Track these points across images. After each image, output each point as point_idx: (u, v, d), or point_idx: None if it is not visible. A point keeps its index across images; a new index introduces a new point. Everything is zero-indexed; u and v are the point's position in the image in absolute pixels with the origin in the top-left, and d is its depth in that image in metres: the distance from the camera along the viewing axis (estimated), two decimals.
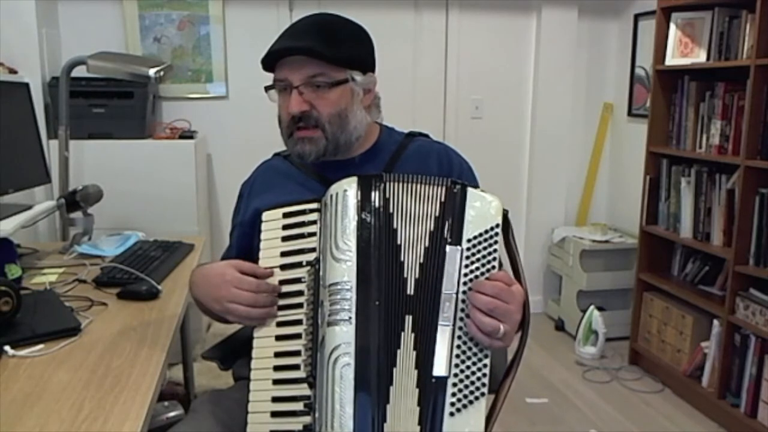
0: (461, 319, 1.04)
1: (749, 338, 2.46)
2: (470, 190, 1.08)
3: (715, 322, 2.65)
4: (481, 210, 1.07)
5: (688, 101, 2.84)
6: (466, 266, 1.05)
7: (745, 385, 2.48)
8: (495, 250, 1.06)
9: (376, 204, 1.08)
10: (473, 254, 1.05)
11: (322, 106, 1.21)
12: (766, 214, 2.40)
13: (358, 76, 1.24)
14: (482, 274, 1.05)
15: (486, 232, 1.06)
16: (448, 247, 1.05)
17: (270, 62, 1.23)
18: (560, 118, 3.70)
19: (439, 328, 1.04)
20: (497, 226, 1.07)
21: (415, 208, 1.08)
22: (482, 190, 1.10)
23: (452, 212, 1.07)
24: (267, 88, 1.27)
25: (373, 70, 1.29)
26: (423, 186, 1.09)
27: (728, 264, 2.56)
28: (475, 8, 3.57)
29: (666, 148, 2.97)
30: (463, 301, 1.04)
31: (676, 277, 3.03)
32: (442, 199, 1.08)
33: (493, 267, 1.06)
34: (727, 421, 2.59)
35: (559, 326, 3.62)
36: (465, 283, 1.04)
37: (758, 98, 2.40)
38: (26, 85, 2.19)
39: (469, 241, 1.06)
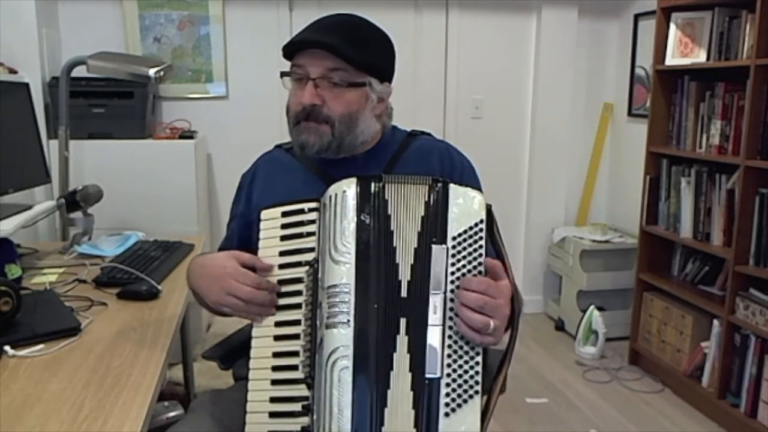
0: (451, 318, 1.03)
1: (749, 338, 2.46)
2: (452, 187, 1.07)
3: (715, 322, 2.65)
4: (464, 207, 1.06)
5: (688, 101, 2.84)
6: (453, 264, 1.04)
7: (745, 385, 2.48)
8: (481, 246, 1.05)
9: (375, 205, 1.07)
10: (459, 252, 1.05)
11: (335, 103, 1.21)
12: (766, 214, 2.40)
13: (376, 84, 1.24)
14: (469, 271, 1.04)
15: (470, 228, 1.05)
16: (433, 247, 1.05)
17: (291, 51, 1.23)
18: (560, 118, 3.70)
19: (429, 329, 1.03)
20: (481, 221, 1.06)
21: (406, 209, 1.07)
22: (464, 186, 1.09)
23: (436, 211, 1.06)
24: (283, 74, 1.26)
25: (390, 80, 1.29)
26: (410, 186, 1.08)
27: (728, 264, 2.56)
28: (475, 8, 3.56)
29: (666, 148, 2.97)
30: (452, 300, 1.04)
31: (676, 277, 3.03)
32: (426, 198, 1.07)
33: (480, 263, 1.05)
34: (727, 421, 2.59)
35: (559, 326, 3.62)
36: (452, 282, 1.04)
37: (758, 98, 2.40)
38: (26, 85, 2.19)
39: (454, 239, 1.05)
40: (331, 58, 1.19)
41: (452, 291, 1.04)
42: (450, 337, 1.03)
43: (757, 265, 2.44)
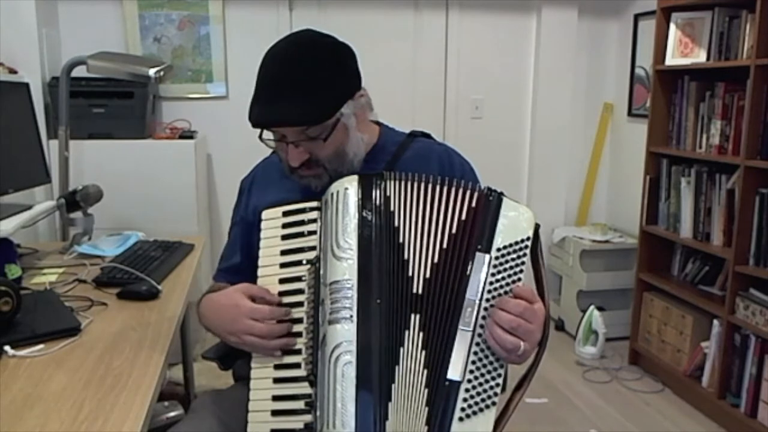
0: (482, 326, 1.04)
1: (749, 338, 2.46)
2: (505, 200, 1.08)
3: (715, 322, 2.65)
4: (514, 220, 1.07)
5: (688, 101, 2.84)
6: (493, 275, 1.05)
7: (745, 385, 2.48)
8: (523, 263, 1.05)
9: (377, 202, 1.08)
10: (501, 264, 1.05)
11: (320, 150, 1.17)
12: (766, 214, 2.40)
13: (347, 108, 1.18)
14: (507, 284, 1.05)
15: (516, 243, 1.06)
16: (476, 254, 1.05)
17: None
18: (560, 118, 3.70)
19: (459, 332, 1.03)
20: (528, 239, 1.07)
21: (428, 209, 1.07)
22: (516, 201, 1.10)
23: (484, 219, 1.06)
24: (261, 139, 1.23)
25: (359, 87, 1.21)
26: (445, 187, 1.08)
27: (728, 264, 2.56)
28: (475, 8, 3.56)
29: (666, 148, 2.97)
30: (486, 309, 1.04)
31: (676, 277, 3.03)
32: (473, 204, 1.07)
33: (519, 279, 1.05)
34: (727, 421, 2.59)
35: (559, 326, 3.62)
36: (489, 291, 1.04)
37: (758, 98, 2.40)
38: (26, 85, 2.19)
39: (498, 250, 1.05)
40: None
41: (487, 300, 1.04)
42: (478, 344, 1.04)
43: (757, 265, 2.44)
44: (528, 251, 1.06)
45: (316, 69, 1.14)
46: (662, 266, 3.09)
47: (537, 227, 1.09)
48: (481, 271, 1.04)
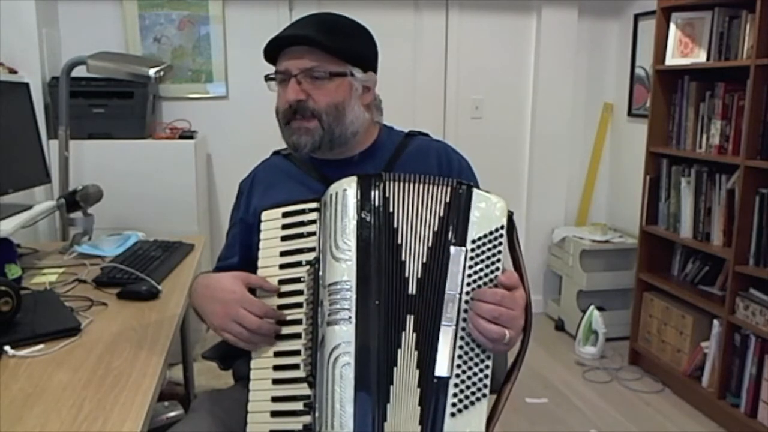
0: (464, 320, 1.04)
1: (749, 338, 2.46)
2: (475, 191, 1.08)
3: (715, 322, 2.65)
4: (486, 211, 1.07)
5: (688, 101, 2.84)
6: (470, 267, 1.05)
7: (745, 385, 2.48)
8: (499, 252, 1.06)
9: (376, 203, 1.08)
10: (477, 255, 1.05)
11: (319, 96, 1.21)
12: (766, 214, 2.40)
13: (358, 73, 1.24)
14: (486, 275, 1.05)
15: (491, 233, 1.06)
16: (452, 248, 1.05)
17: (272, 52, 1.24)
18: (560, 118, 3.70)
19: (441, 328, 1.04)
20: (502, 227, 1.07)
21: (418, 208, 1.08)
22: (487, 191, 1.10)
23: (457, 213, 1.07)
24: (267, 78, 1.27)
25: (374, 70, 1.29)
26: (426, 185, 1.08)
27: (728, 264, 2.56)
28: (475, 8, 3.56)
29: (666, 148, 2.97)
30: (467, 302, 1.04)
31: (676, 277, 3.03)
32: (447, 200, 1.08)
33: (498, 269, 1.05)
34: (727, 421, 2.59)
35: (559, 326, 3.62)
36: (469, 284, 1.04)
37: (758, 98, 2.40)
38: (26, 85, 2.19)
39: (473, 242, 1.05)
40: (309, 53, 1.20)
41: (467, 293, 1.04)
42: (462, 338, 1.04)
43: (757, 265, 2.44)
44: (504, 240, 1.07)
45: (347, 24, 1.26)
46: (662, 266, 3.09)
47: (510, 215, 1.09)
48: (458, 265, 1.04)
